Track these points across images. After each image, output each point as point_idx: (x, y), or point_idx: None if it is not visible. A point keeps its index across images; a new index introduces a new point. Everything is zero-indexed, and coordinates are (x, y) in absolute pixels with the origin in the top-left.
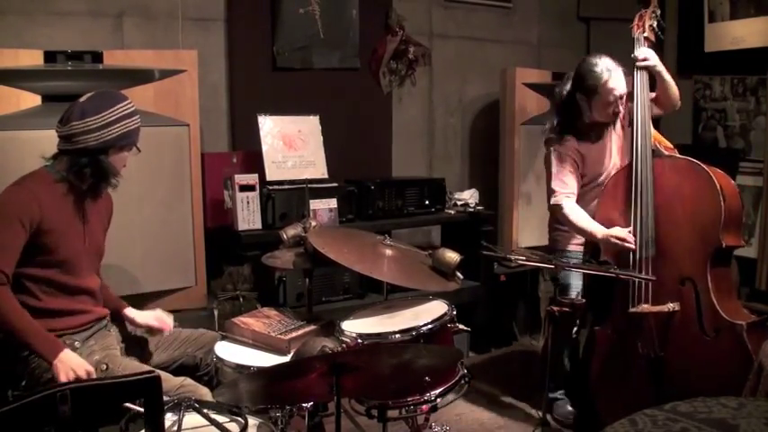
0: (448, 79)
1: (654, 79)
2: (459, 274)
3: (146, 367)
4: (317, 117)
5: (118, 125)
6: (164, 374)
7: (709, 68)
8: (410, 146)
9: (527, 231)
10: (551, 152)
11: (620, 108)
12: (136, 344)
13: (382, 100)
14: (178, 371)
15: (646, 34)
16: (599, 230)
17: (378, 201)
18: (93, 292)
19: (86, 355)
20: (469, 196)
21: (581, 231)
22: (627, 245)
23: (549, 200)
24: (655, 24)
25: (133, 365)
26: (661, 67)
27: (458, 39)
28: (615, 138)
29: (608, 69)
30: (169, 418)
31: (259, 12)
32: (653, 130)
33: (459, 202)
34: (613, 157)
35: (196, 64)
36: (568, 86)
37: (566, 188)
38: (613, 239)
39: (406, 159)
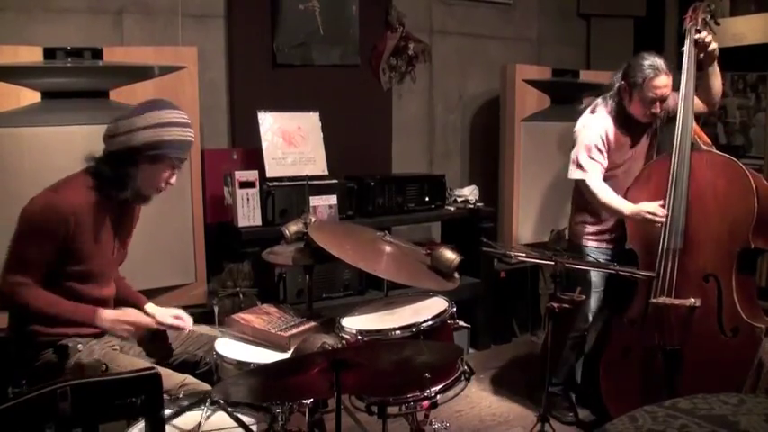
0: (448, 76)
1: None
2: (457, 274)
3: (146, 365)
4: (317, 114)
5: (148, 131)
6: (165, 371)
7: None
8: (410, 142)
9: (527, 228)
10: (584, 127)
11: (658, 110)
12: (154, 337)
13: (382, 96)
14: (179, 367)
15: (698, 27)
16: (626, 206)
17: (378, 197)
18: (108, 301)
19: (86, 354)
20: (469, 193)
21: (606, 207)
22: (658, 218)
23: (571, 172)
24: (708, 18)
25: (133, 363)
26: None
27: (458, 35)
28: (644, 141)
29: (657, 68)
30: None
31: (259, 8)
32: (694, 124)
33: (459, 199)
34: (634, 154)
35: (196, 60)
36: (619, 75)
37: (593, 164)
38: (644, 214)
39: (406, 156)
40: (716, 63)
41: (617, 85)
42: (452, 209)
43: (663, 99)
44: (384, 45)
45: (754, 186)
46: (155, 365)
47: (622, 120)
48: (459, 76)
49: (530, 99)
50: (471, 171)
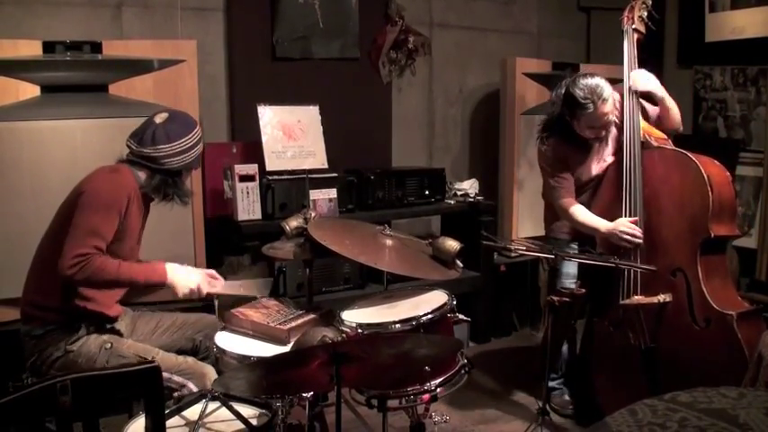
0: (448, 69)
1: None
2: (459, 262)
3: (151, 348)
4: (317, 107)
5: (195, 149)
6: (165, 354)
7: (710, 58)
8: (410, 136)
9: (527, 221)
10: (545, 150)
11: (602, 134)
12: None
13: (382, 90)
14: (178, 354)
15: (635, 26)
16: (602, 225)
17: (378, 191)
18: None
19: (95, 335)
20: (469, 186)
21: (583, 226)
22: (635, 240)
23: (547, 193)
24: (645, 15)
25: (138, 346)
26: (662, 93)
27: (458, 28)
28: (607, 145)
29: (593, 100)
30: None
31: (258, 1)
32: (643, 123)
33: (459, 192)
34: (602, 164)
35: (195, 54)
36: (561, 94)
37: (565, 185)
38: (620, 233)
39: (406, 149)
40: (666, 99)
41: (558, 109)
42: (452, 202)
43: (606, 124)
44: (384, 38)
45: (706, 176)
46: (154, 358)
47: (569, 138)
48: (458, 70)
49: (530, 92)
50: (471, 164)
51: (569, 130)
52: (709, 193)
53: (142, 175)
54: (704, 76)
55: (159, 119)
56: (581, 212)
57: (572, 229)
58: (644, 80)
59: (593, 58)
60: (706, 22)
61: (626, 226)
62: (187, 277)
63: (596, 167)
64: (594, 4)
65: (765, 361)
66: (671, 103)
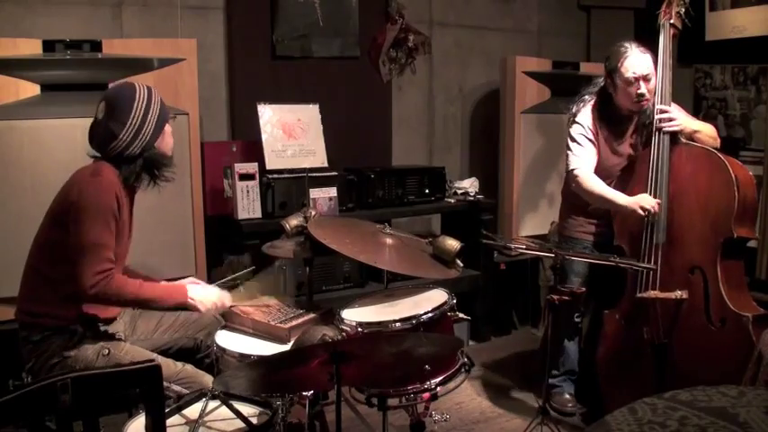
0: (448, 67)
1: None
2: (459, 261)
3: (149, 354)
4: (317, 106)
5: (148, 118)
6: (163, 361)
7: (710, 57)
8: (410, 134)
9: (527, 220)
10: (573, 124)
11: (644, 90)
12: None
13: (382, 88)
14: (178, 354)
15: (672, 21)
16: (621, 198)
17: (378, 189)
18: None
19: (92, 341)
20: (470, 185)
21: (599, 199)
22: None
23: (567, 165)
24: (682, 11)
25: (136, 351)
26: (691, 125)
27: (458, 27)
28: (632, 145)
29: (630, 48)
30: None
31: (258, 0)
32: None
33: (459, 191)
34: (619, 157)
35: (195, 52)
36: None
37: (584, 156)
38: (640, 210)
39: (406, 148)
40: (695, 128)
41: (601, 82)
42: (452, 201)
43: (645, 78)
44: (384, 37)
45: (733, 176)
46: (154, 357)
47: (606, 115)
48: (459, 68)
49: (530, 91)
50: (471, 163)
51: (607, 106)
52: (736, 194)
53: (120, 168)
54: (704, 75)
55: (100, 113)
56: (595, 181)
57: (587, 229)
58: (685, 118)
59: (593, 57)
60: (706, 20)
61: (648, 203)
62: (207, 293)
63: (614, 157)
64: (595, 3)
65: (765, 360)
66: (701, 130)
